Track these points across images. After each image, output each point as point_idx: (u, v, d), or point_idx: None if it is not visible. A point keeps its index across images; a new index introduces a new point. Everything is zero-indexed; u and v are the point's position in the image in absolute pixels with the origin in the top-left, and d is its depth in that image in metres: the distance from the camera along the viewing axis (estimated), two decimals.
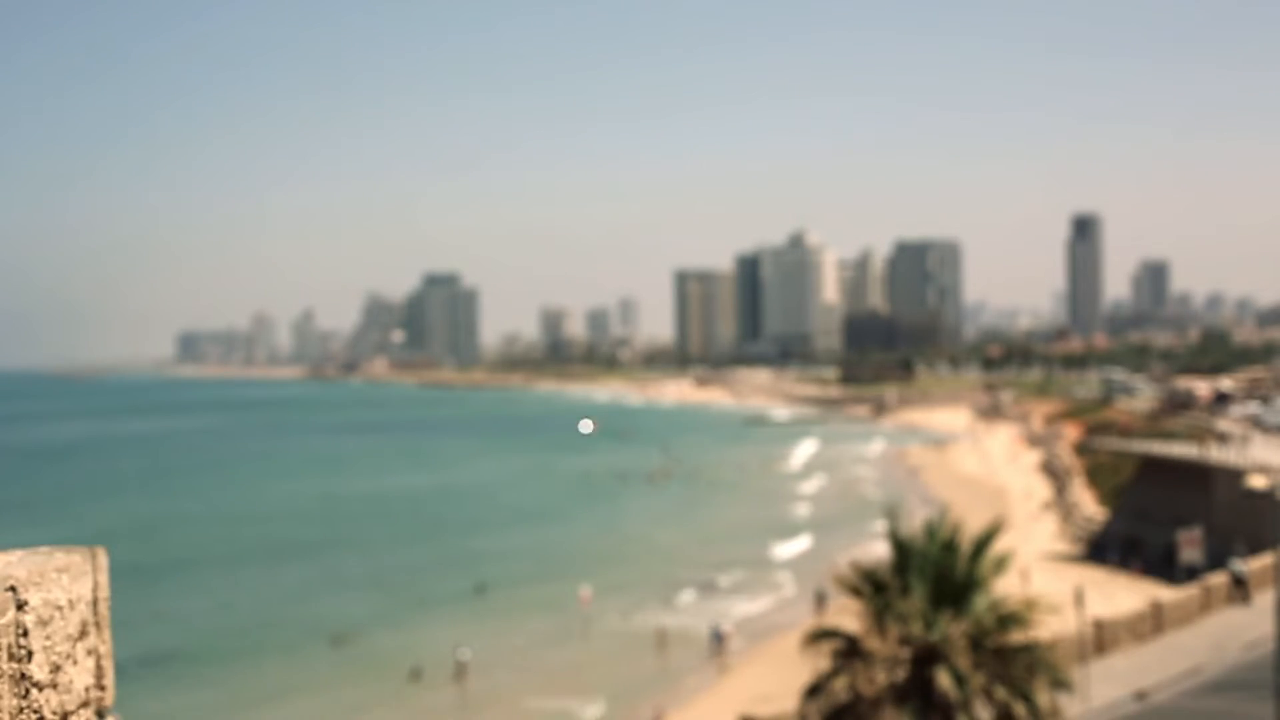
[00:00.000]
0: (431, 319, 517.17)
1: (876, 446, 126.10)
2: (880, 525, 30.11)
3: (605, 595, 53.25)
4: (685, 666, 43.08)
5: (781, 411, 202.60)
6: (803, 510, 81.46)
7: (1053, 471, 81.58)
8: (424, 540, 71.04)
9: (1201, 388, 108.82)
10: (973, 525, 25.17)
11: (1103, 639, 32.15)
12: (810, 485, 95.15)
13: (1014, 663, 21.16)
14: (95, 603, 2.50)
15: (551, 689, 40.55)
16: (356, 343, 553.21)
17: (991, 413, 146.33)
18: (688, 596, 53.69)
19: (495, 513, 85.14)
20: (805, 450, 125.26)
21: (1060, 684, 22.01)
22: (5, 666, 2.19)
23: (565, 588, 54.74)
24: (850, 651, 21.51)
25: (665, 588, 54.81)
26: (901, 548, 22.72)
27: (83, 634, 2.43)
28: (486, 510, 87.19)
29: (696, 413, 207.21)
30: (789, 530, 71.45)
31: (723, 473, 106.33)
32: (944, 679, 20.18)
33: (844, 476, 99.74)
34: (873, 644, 21.35)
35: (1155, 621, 34.24)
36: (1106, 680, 28.51)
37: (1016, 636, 21.59)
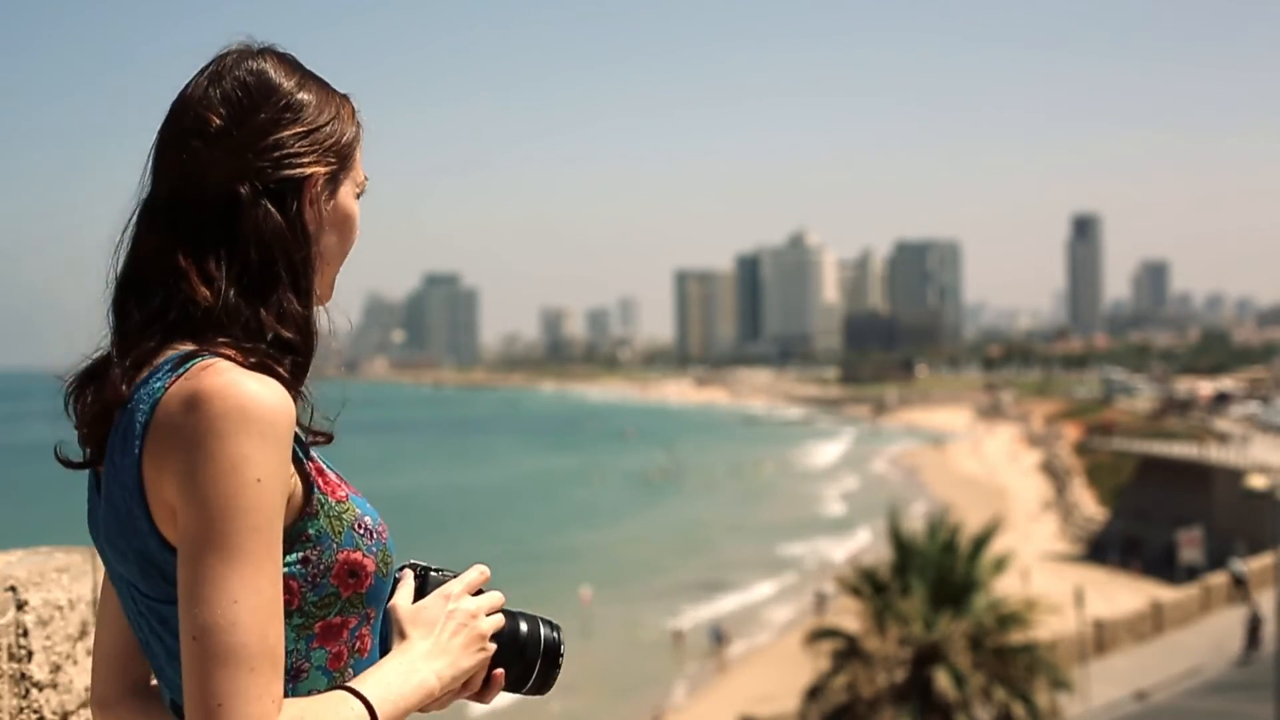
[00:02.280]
0: (431, 319, 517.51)
1: (892, 446, 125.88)
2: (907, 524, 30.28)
3: (609, 595, 53.21)
4: (685, 666, 43.09)
5: (783, 411, 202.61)
6: (841, 508, 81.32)
7: (1053, 471, 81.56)
8: (428, 540, 71.05)
9: (1201, 388, 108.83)
10: (973, 525, 25.17)
11: (1103, 639, 32.15)
12: (840, 484, 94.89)
13: (1014, 663, 21.18)
14: (95, 603, 2.51)
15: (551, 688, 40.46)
16: (356, 342, 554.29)
17: (992, 413, 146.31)
18: (700, 597, 53.62)
19: (499, 511, 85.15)
20: (821, 450, 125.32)
21: (1060, 684, 22.04)
22: (5, 666, 2.19)
23: (568, 587, 54.69)
24: (850, 651, 21.54)
25: (673, 589, 54.78)
26: (903, 547, 22.75)
27: (83, 634, 2.43)
28: (489, 509, 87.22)
29: (698, 412, 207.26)
30: (841, 527, 71.32)
31: (737, 472, 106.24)
32: (943, 679, 20.20)
33: (866, 475, 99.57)
34: (873, 644, 21.37)
35: (1155, 621, 34.24)
36: (1106, 680, 28.49)
37: (1016, 636, 21.62)
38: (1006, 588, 25.36)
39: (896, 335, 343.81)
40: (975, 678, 20.51)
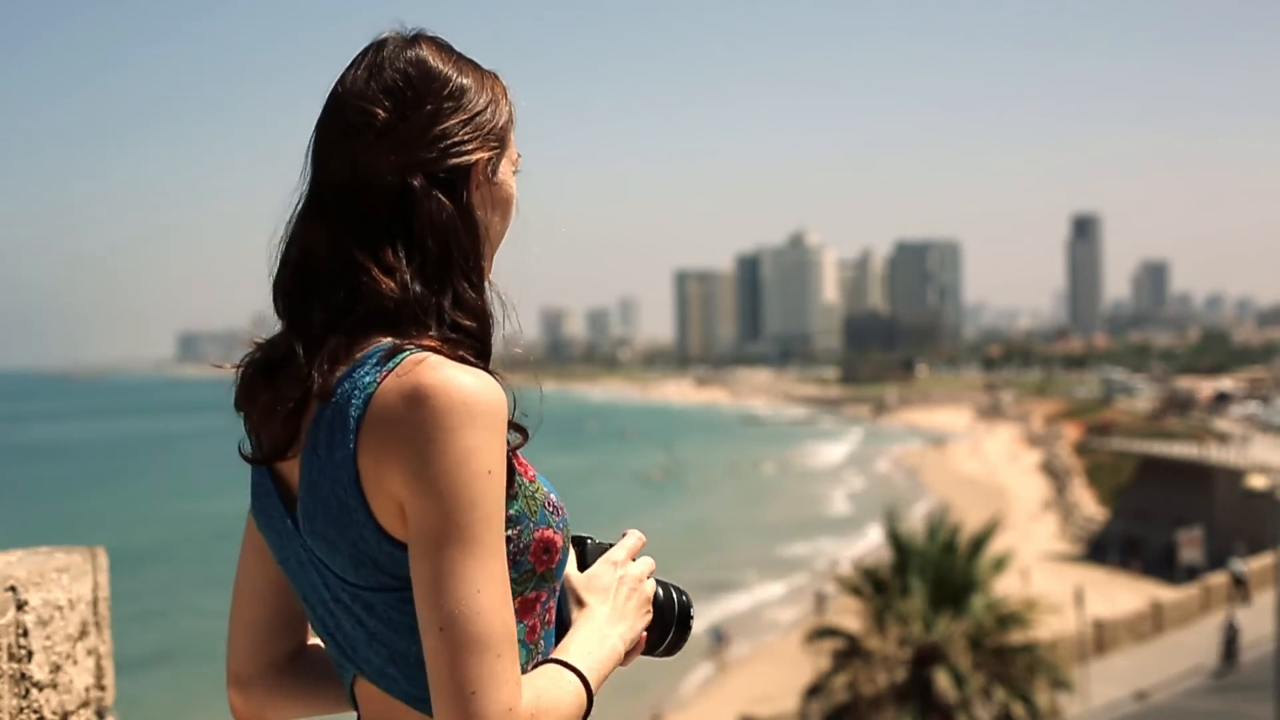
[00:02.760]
0: None
1: (894, 447, 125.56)
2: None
3: None
4: (684, 666, 43.09)
5: (786, 412, 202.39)
6: (843, 508, 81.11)
7: (1053, 471, 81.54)
8: None
9: (1201, 388, 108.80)
10: (973, 525, 25.15)
11: (1103, 639, 32.14)
12: (843, 484, 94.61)
13: (1014, 663, 21.19)
14: (95, 602, 2.51)
15: None
16: None
17: (992, 413, 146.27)
18: (701, 597, 53.39)
19: None
20: (823, 450, 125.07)
21: (1060, 684, 22.04)
22: (5, 666, 2.19)
23: None
24: (850, 651, 21.54)
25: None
26: (901, 548, 22.75)
27: (83, 634, 2.43)
28: None
29: (700, 413, 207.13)
30: (841, 527, 71.15)
31: (738, 472, 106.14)
32: (944, 679, 20.20)
33: (867, 476, 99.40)
34: (873, 644, 21.38)
35: (1155, 621, 34.23)
36: (1106, 680, 28.49)
37: (1016, 636, 21.62)
38: (1006, 588, 25.36)
39: (896, 335, 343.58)
40: (975, 678, 20.51)
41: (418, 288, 1.36)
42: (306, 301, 1.38)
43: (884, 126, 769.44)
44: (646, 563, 1.58)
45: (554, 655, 1.41)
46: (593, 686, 1.42)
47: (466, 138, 1.41)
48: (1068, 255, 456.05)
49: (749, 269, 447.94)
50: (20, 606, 2.23)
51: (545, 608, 1.44)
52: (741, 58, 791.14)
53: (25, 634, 2.23)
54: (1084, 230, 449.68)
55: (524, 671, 1.37)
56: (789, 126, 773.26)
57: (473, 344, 1.38)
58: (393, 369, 1.30)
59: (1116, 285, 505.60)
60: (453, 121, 1.40)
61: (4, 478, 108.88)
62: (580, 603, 1.49)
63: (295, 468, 1.40)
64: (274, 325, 1.47)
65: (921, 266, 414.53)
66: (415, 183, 1.36)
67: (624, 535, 1.61)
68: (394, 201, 1.36)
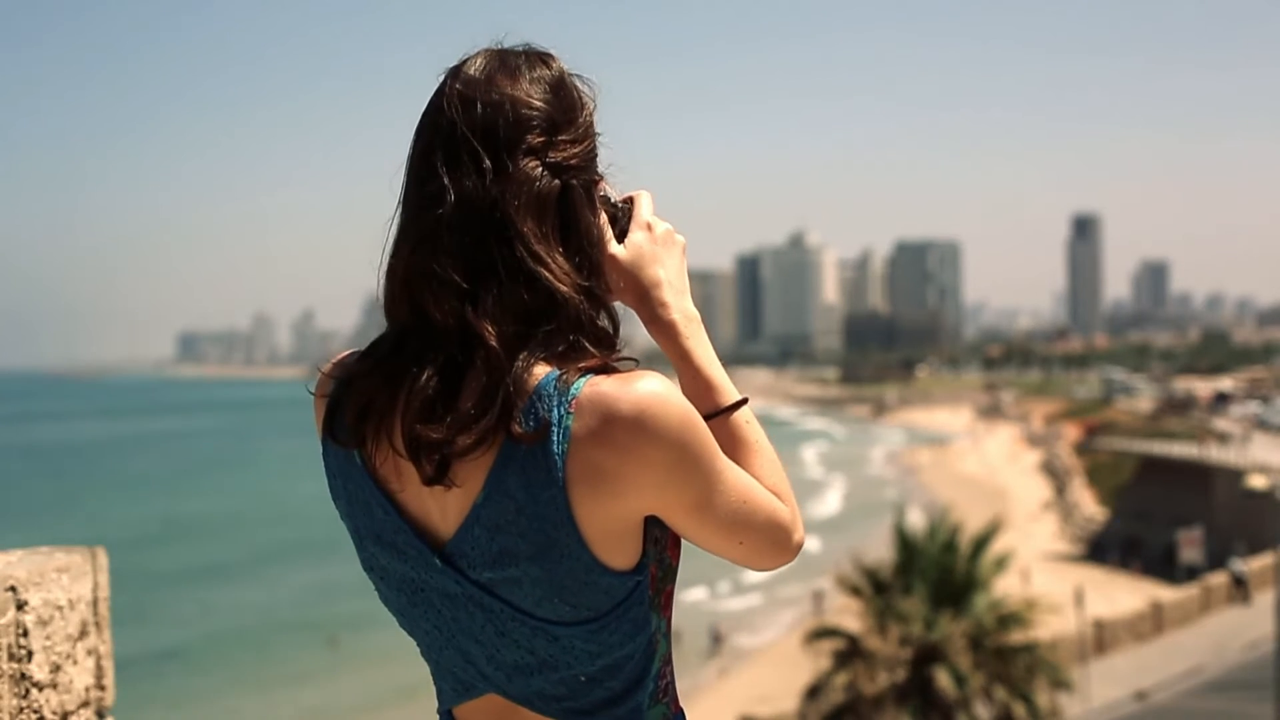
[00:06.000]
0: None
1: (896, 448, 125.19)
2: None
3: None
4: (684, 666, 43.04)
5: (785, 411, 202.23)
6: (838, 507, 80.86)
7: (1053, 471, 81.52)
8: None
9: (1201, 388, 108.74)
10: (973, 525, 25.14)
11: (1103, 639, 32.14)
12: (841, 484, 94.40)
13: (1014, 663, 21.19)
14: (95, 603, 2.50)
15: None
16: (357, 343, 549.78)
17: (992, 413, 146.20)
18: (699, 596, 53.55)
19: None
20: (829, 450, 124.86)
21: (1060, 684, 22.04)
22: (5, 666, 2.19)
23: None
24: (851, 651, 21.54)
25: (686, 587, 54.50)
26: (906, 547, 22.75)
27: (83, 634, 2.42)
28: None
29: None
30: (837, 526, 71.05)
31: None
32: (944, 679, 20.20)
33: (866, 476, 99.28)
34: (873, 644, 21.37)
35: (1155, 621, 34.23)
36: (1106, 680, 28.49)
37: (1016, 636, 21.62)
38: (1007, 588, 25.36)
39: (896, 335, 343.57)
40: (976, 677, 20.52)
41: (581, 291, 1.36)
42: (480, 304, 1.31)
43: (884, 126, 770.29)
44: (656, 217, 1.56)
45: (717, 397, 1.47)
46: (738, 394, 1.48)
47: (595, 155, 1.46)
48: (1068, 255, 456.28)
49: (749, 269, 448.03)
50: (20, 606, 2.22)
51: (672, 598, 1.46)
52: (741, 58, 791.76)
53: (25, 634, 2.23)
54: (1084, 230, 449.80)
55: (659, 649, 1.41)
56: (789, 126, 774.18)
57: (611, 348, 1.40)
58: (576, 397, 1.28)
59: (1116, 285, 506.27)
60: (593, 138, 1.46)
61: (4, 478, 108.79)
62: (652, 286, 1.50)
63: (424, 496, 1.36)
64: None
65: (921, 266, 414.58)
66: (576, 184, 1.40)
67: (635, 196, 1.58)
68: (555, 206, 1.37)
